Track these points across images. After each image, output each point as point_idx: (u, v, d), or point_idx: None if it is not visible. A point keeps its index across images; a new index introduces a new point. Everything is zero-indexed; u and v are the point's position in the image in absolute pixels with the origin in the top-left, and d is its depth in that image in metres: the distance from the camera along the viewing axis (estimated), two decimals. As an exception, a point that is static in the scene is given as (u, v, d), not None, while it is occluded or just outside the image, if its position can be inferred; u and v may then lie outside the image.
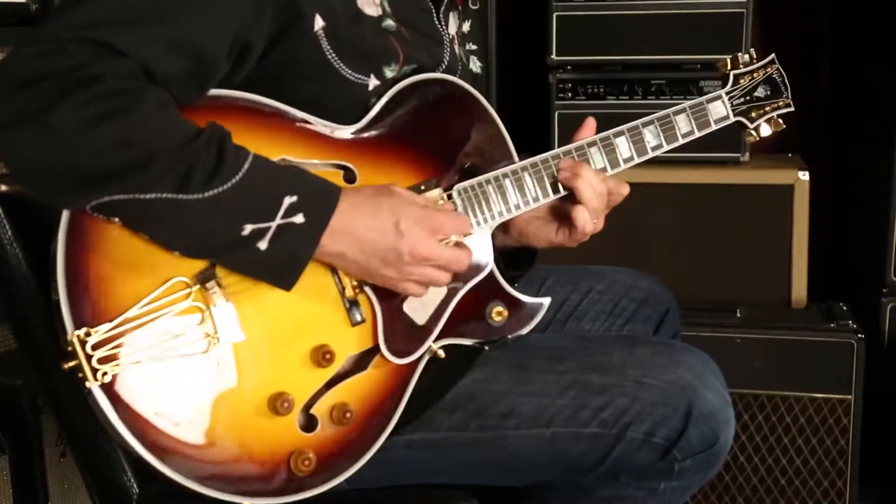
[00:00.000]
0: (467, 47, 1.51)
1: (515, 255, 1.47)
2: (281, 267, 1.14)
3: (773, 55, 1.55)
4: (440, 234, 1.21)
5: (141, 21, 1.07)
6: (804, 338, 2.22)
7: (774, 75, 1.54)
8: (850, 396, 2.20)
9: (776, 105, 1.53)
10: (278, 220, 1.11)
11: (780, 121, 1.54)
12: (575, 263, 1.69)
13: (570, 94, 2.52)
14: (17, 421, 1.89)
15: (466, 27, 1.51)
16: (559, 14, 2.47)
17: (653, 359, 1.31)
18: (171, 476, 1.13)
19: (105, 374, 1.10)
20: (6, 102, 1.04)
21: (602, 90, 2.50)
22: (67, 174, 1.05)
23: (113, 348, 1.10)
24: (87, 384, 1.09)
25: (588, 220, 1.35)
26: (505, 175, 1.34)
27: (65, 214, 1.10)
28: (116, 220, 1.09)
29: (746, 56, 1.54)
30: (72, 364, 1.09)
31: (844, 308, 2.33)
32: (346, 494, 1.30)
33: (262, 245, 1.11)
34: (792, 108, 1.55)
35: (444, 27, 1.39)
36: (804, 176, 2.35)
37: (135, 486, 1.33)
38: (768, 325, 2.26)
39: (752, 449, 2.27)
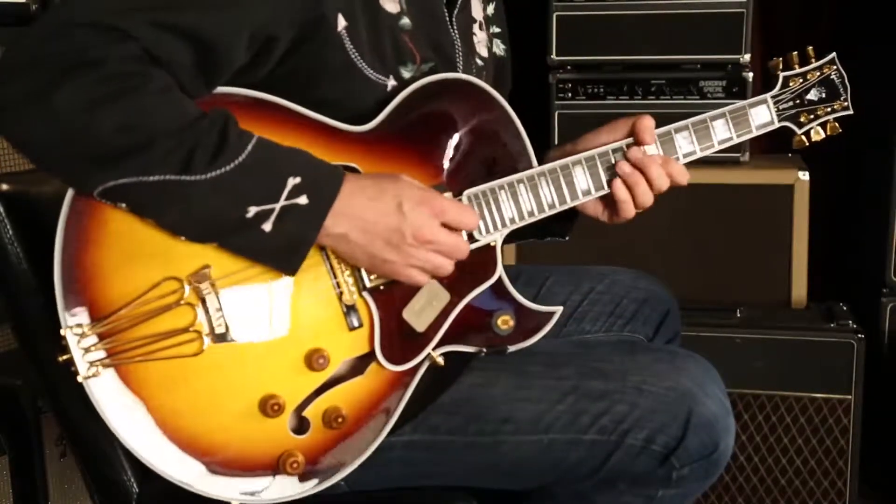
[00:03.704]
0: (491, 30, 1.50)
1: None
2: (285, 250, 1.14)
3: (833, 54, 1.46)
4: (443, 218, 1.20)
5: (149, 8, 1.08)
6: (804, 338, 2.22)
7: (832, 76, 1.44)
8: (850, 396, 2.20)
9: (830, 108, 1.45)
10: (282, 202, 1.11)
11: (837, 125, 1.45)
12: (575, 264, 1.69)
13: (570, 94, 2.51)
14: (17, 421, 1.90)
15: (490, 9, 1.50)
16: (559, 14, 2.47)
17: (653, 365, 1.30)
18: (160, 471, 1.14)
19: (96, 369, 1.11)
20: (11, 85, 1.05)
21: (602, 90, 2.50)
22: (71, 156, 1.06)
23: (105, 345, 1.11)
24: (79, 378, 1.11)
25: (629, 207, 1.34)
26: (520, 181, 1.31)
27: (64, 209, 1.11)
28: (123, 205, 1.10)
29: (803, 55, 1.44)
30: (65, 357, 1.11)
31: (844, 308, 2.33)
32: (346, 496, 1.30)
33: (267, 227, 1.11)
34: (850, 112, 1.45)
35: (456, 31, 1.37)
36: (804, 176, 2.35)
37: (135, 486, 1.33)
38: (768, 325, 2.25)
39: (752, 449, 2.27)
